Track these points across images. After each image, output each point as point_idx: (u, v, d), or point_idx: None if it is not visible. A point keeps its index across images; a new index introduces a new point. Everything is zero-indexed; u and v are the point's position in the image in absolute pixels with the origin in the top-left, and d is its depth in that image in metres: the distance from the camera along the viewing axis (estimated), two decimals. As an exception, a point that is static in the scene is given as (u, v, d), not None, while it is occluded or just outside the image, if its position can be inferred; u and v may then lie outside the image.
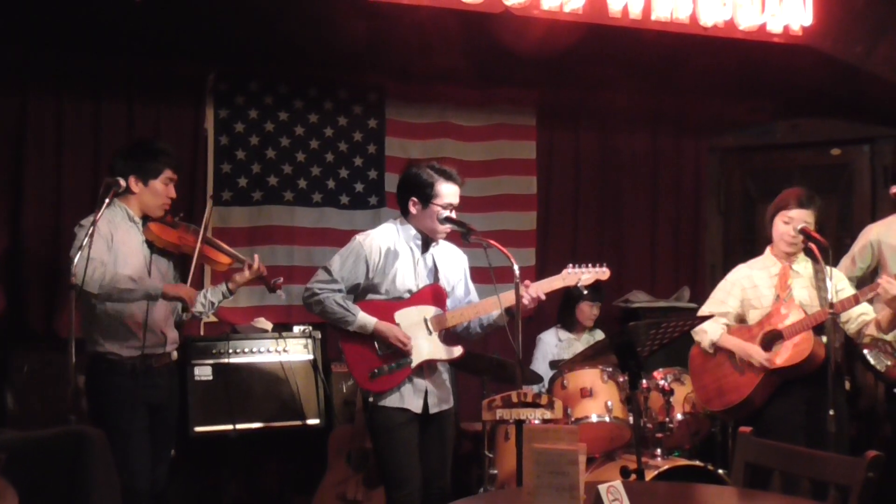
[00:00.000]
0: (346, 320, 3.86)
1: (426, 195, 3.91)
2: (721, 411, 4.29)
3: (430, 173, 3.91)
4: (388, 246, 3.95)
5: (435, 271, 4.02)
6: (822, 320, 3.92)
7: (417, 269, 3.98)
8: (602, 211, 6.39)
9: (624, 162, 6.45)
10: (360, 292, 3.97)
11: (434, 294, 3.98)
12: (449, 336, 4.07)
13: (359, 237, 4.00)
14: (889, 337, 4.01)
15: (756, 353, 4.07)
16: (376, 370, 3.86)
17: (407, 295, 3.93)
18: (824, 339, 3.98)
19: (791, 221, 4.08)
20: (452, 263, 4.11)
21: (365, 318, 3.86)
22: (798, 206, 4.07)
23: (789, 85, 5.95)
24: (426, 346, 3.91)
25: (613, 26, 4.81)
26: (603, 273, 4.07)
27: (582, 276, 4.02)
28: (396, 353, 3.87)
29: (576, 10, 4.71)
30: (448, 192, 3.90)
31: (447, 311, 3.98)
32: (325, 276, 3.91)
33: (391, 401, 3.87)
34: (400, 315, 3.90)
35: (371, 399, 3.88)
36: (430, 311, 3.94)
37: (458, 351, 3.98)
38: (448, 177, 3.92)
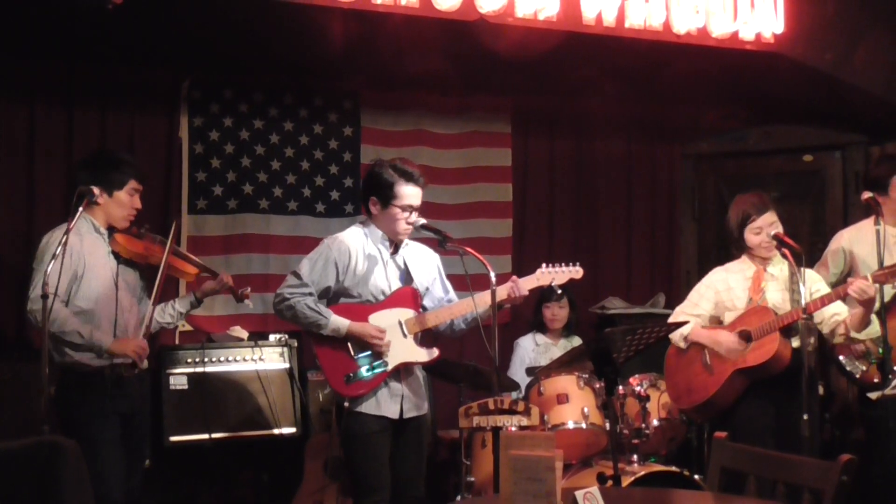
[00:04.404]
0: (318, 324, 3.84)
1: (386, 196, 3.89)
2: (688, 409, 4.36)
3: (391, 173, 3.89)
4: (358, 248, 3.94)
5: (407, 273, 4.02)
6: (790, 321, 3.96)
7: (389, 272, 3.97)
8: (577, 217, 6.42)
9: (599, 169, 6.49)
10: (332, 296, 3.95)
11: (408, 296, 3.97)
12: (425, 338, 4.07)
13: (327, 240, 3.99)
14: (861, 335, 4.05)
15: (725, 338, 4.13)
16: (352, 374, 3.84)
17: (381, 297, 3.93)
18: (794, 341, 4.02)
19: (761, 230, 4.14)
20: (424, 264, 4.10)
21: (338, 321, 3.84)
22: (759, 212, 4.14)
23: (762, 92, 6.00)
24: (402, 349, 3.90)
25: (588, 34, 4.83)
26: (576, 272, 4.10)
27: (556, 275, 4.05)
28: (372, 355, 3.86)
29: (550, 18, 4.72)
30: (408, 194, 3.88)
31: (422, 313, 3.97)
32: (294, 280, 3.89)
33: (367, 407, 3.86)
34: (374, 318, 3.89)
35: (347, 405, 3.86)
36: (404, 313, 3.94)
37: (434, 353, 3.98)
38: (409, 178, 3.89)
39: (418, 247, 4.14)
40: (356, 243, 3.95)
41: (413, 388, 3.98)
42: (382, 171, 3.92)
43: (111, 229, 3.99)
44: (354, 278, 3.91)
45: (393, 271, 3.99)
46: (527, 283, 4.00)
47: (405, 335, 3.93)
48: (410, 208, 3.89)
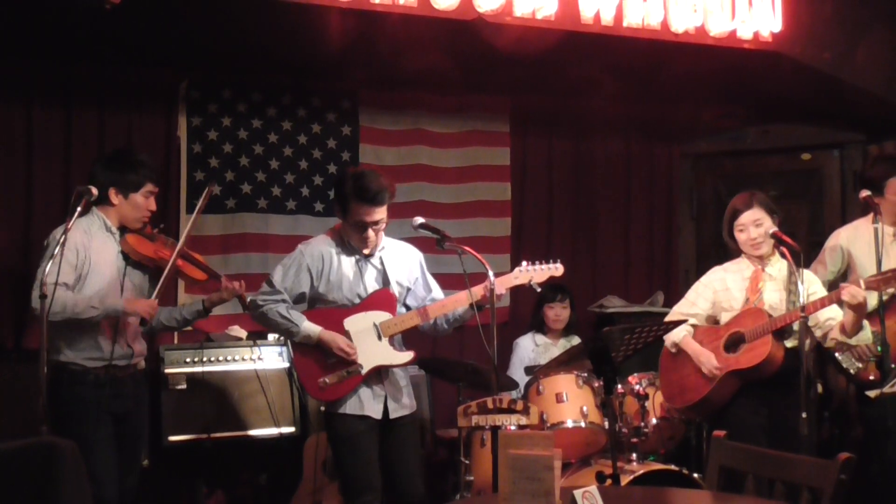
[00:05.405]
0: (290, 331, 3.85)
1: (342, 208, 3.89)
2: (681, 408, 4.36)
3: (349, 187, 3.83)
4: (332, 252, 3.93)
5: (384, 275, 4.01)
6: (783, 324, 3.96)
7: (365, 274, 3.96)
8: (576, 217, 6.43)
9: (597, 168, 6.49)
10: (309, 301, 3.95)
11: (384, 299, 3.96)
12: (404, 339, 4.07)
13: (300, 246, 4.00)
14: (853, 341, 4.06)
15: (706, 361, 4.14)
16: (327, 379, 3.84)
17: (357, 301, 3.92)
18: (788, 343, 4.02)
19: (745, 228, 4.16)
20: (404, 263, 4.08)
21: (309, 328, 3.83)
22: (744, 209, 4.15)
23: (760, 91, 6.01)
24: (377, 352, 3.90)
25: (586, 33, 4.83)
26: (556, 269, 4.09)
27: (535, 273, 4.03)
28: (345, 361, 3.86)
29: (548, 17, 4.72)
30: (361, 212, 3.82)
31: (397, 316, 3.96)
32: (267, 287, 3.91)
33: (351, 408, 3.87)
34: (349, 322, 3.89)
35: (323, 408, 3.87)
36: (380, 316, 3.93)
37: (408, 355, 3.98)
38: (362, 197, 3.80)
39: (399, 246, 4.13)
40: (328, 248, 3.95)
41: (396, 388, 3.98)
42: (344, 181, 3.88)
43: (123, 229, 3.99)
44: (329, 283, 3.91)
45: (370, 273, 3.98)
46: (504, 282, 3.99)
47: (380, 338, 3.92)
48: (364, 226, 3.85)
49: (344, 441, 3.87)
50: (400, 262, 4.07)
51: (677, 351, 4.31)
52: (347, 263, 3.93)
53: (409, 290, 4.09)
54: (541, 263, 4.08)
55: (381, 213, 3.86)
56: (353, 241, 3.93)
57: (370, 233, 3.86)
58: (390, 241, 4.09)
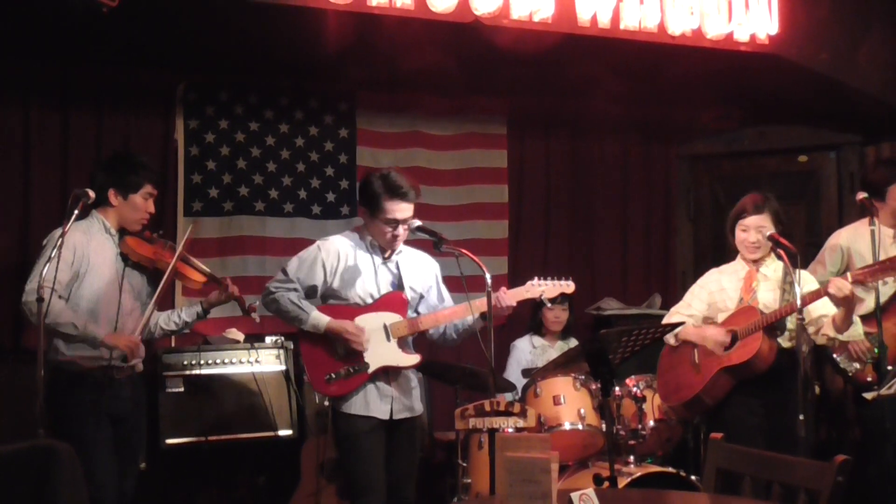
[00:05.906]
0: (299, 318, 3.88)
1: (372, 207, 3.92)
2: (674, 406, 4.37)
3: (379, 186, 3.88)
4: (348, 251, 3.97)
5: (399, 279, 4.02)
6: (774, 319, 3.96)
7: (379, 276, 3.99)
8: (573, 219, 6.43)
9: (594, 170, 6.49)
10: (321, 297, 3.98)
11: (396, 301, 3.99)
12: (413, 343, 4.07)
13: (319, 241, 4.05)
14: (843, 337, 4.07)
15: (711, 332, 4.13)
16: (333, 374, 3.87)
17: (369, 300, 3.95)
18: (784, 341, 4.03)
19: (748, 229, 4.15)
20: (420, 271, 4.11)
21: (318, 317, 3.87)
22: (753, 211, 4.14)
23: (757, 93, 6.01)
24: (384, 353, 3.93)
25: (583, 35, 4.84)
26: (567, 286, 4.12)
27: (546, 288, 4.06)
28: (353, 357, 3.88)
29: (545, 20, 4.72)
30: (393, 209, 3.87)
31: (407, 318, 3.98)
32: (282, 276, 3.96)
33: (356, 408, 3.88)
34: (360, 321, 3.91)
35: (328, 403, 3.89)
36: (391, 317, 3.96)
37: (415, 358, 4.00)
38: (394, 193, 3.86)
39: (416, 254, 4.16)
40: (346, 247, 3.98)
41: (403, 390, 4.00)
42: (373, 181, 3.93)
43: (122, 231, 3.99)
44: (342, 281, 3.94)
45: (385, 276, 4.01)
46: (514, 296, 4.01)
47: (389, 339, 3.94)
48: (395, 222, 3.89)
49: (347, 440, 3.90)
50: (415, 268, 4.10)
51: (678, 344, 4.31)
52: (364, 263, 3.97)
53: (421, 297, 4.12)
54: (552, 279, 4.11)
55: (410, 210, 3.92)
56: (379, 240, 3.96)
57: (400, 230, 3.90)
58: (408, 248, 4.12)
